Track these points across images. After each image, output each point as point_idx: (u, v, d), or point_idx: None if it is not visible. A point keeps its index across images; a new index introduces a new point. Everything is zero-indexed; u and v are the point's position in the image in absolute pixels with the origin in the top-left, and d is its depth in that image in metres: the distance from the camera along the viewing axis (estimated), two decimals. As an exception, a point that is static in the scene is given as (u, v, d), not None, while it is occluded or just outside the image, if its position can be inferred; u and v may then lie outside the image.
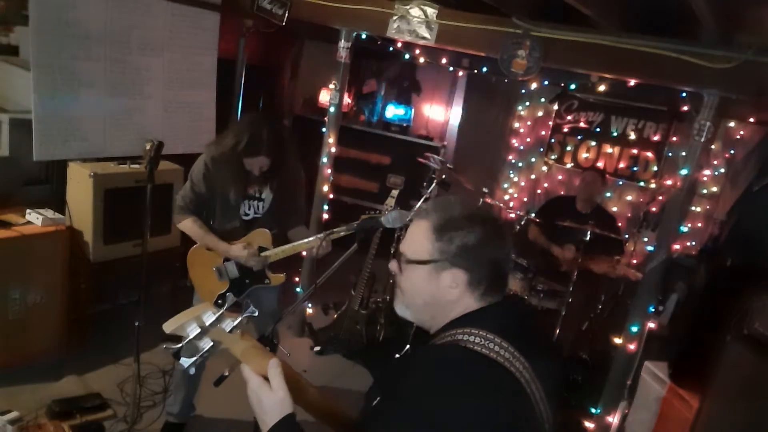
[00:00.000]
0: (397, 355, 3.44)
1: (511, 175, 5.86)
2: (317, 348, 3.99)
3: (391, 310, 4.13)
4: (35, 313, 3.08)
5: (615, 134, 5.19)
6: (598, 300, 4.22)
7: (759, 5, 2.40)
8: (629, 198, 5.18)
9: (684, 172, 2.87)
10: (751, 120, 4.45)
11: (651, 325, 3.06)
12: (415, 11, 3.41)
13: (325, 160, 3.93)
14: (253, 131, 2.45)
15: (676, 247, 3.41)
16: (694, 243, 4.63)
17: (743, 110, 4.31)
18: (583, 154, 5.39)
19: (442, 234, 1.12)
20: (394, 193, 3.47)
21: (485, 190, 4.20)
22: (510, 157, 5.83)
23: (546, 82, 5.11)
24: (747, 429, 2.26)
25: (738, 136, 4.59)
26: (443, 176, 3.90)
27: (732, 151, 4.61)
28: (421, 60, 4.97)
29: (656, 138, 4.98)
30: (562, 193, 5.45)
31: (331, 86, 3.83)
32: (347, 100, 6.03)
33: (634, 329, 2.98)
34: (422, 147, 5.45)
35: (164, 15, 3.73)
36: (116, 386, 3.14)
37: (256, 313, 1.22)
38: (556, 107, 5.44)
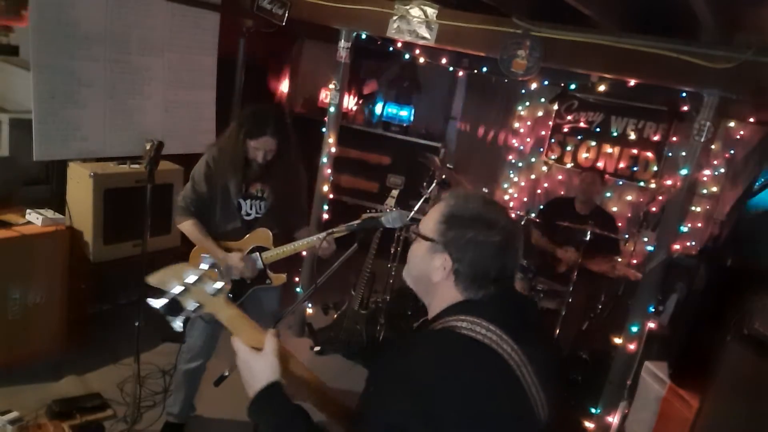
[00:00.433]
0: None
1: (511, 175, 5.85)
2: (317, 348, 3.98)
3: (391, 310, 4.14)
4: (35, 313, 3.08)
5: (615, 134, 5.18)
6: (598, 300, 4.22)
7: (759, 5, 2.41)
8: (629, 198, 5.17)
9: (684, 172, 2.87)
10: (751, 120, 4.45)
11: (651, 325, 3.06)
12: (415, 11, 3.40)
13: (325, 160, 3.92)
14: (257, 111, 2.49)
15: (676, 247, 3.41)
16: (694, 243, 4.62)
17: (743, 110, 4.30)
18: (583, 154, 5.38)
19: (448, 221, 1.18)
20: (394, 193, 3.47)
21: (485, 190, 4.19)
22: (510, 157, 5.83)
23: (546, 82, 5.11)
24: (747, 429, 2.26)
25: (738, 136, 4.58)
26: (443, 176, 3.90)
27: (732, 151, 4.60)
28: (421, 60, 4.97)
29: (656, 138, 4.98)
30: (562, 193, 5.45)
31: (331, 86, 3.83)
32: (352, 105, 6.04)
33: (634, 329, 2.98)
34: (422, 147, 5.45)
35: (164, 15, 3.74)
36: (116, 386, 3.14)
37: (238, 277, 1.28)
38: (556, 107, 5.43)
